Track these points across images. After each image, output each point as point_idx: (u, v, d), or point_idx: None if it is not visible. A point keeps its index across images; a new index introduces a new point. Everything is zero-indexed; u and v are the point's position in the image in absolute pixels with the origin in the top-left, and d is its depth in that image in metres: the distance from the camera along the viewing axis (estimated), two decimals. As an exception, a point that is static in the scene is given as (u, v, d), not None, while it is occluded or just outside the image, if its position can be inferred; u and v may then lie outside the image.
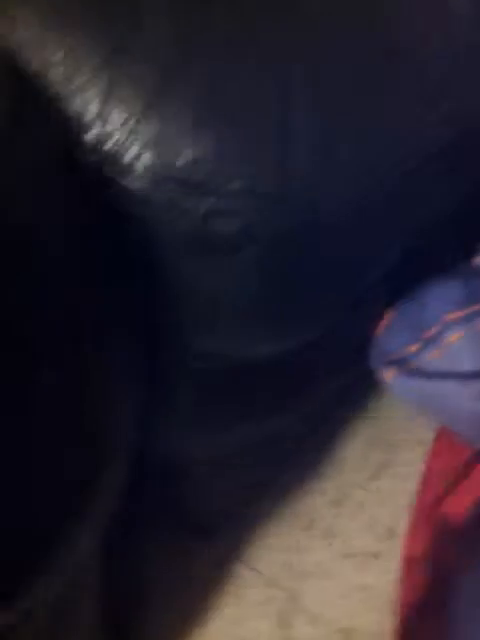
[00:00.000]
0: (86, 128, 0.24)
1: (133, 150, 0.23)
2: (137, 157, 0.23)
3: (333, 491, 0.64)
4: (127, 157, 0.24)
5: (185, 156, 0.24)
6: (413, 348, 0.49)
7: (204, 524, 0.64)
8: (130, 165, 0.24)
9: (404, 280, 0.49)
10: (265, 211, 0.27)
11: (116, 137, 0.23)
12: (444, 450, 0.60)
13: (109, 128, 0.24)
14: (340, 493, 0.63)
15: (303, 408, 0.54)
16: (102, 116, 0.24)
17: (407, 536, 0.58)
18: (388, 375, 0.50)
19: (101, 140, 0.24)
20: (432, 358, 0.49)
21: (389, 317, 0.51)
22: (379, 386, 0.66)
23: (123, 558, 0.59)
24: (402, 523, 0.59)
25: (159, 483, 0.58)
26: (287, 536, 0.63)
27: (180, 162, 0.24)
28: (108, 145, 0.24)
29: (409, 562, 0.55)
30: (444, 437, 0.60)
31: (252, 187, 0.25)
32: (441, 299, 0.48)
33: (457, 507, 0.55)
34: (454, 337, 0.47)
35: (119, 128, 0.24)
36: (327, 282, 0.40)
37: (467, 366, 0.47)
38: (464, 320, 0.47)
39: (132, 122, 0.23)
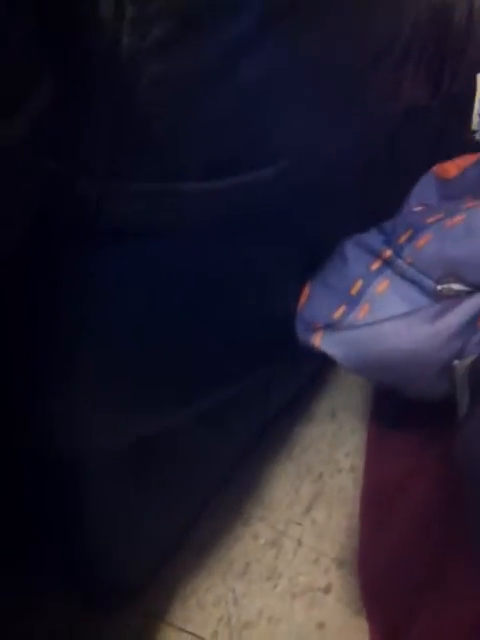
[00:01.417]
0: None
1: None
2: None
3: (267, 532, 0.60)
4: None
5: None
6: (338, 312, 0.53)
7: (117, 586, 0.55)
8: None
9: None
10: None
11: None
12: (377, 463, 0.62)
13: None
14: (275, 532, 0.59)
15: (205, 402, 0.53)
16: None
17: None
18: (316, 339, 0.52)
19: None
20: (361, 316, 0.53)
21: (308, 288, 0.56)
22: (301, 417, 0.69)
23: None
24: (347, 551, 0.57)
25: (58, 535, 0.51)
26: (220, 586, 0.56)
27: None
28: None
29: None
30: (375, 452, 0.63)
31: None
32: (361, 249, 0.54)
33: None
34: (381, 287, 0.53)
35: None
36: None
37: (398, 310, 0.51)
38: (385, 266, 0.54)
39: None
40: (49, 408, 0.41)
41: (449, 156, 0.68)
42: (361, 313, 0.53)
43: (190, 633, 0.52)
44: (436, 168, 0.65)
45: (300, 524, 0.60)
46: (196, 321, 0.45)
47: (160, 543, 0.55)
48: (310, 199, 0.42)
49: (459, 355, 0.48)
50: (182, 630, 0.52)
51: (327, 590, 0.55)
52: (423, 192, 0.64)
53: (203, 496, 0.58)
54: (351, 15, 0.34)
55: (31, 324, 0.37)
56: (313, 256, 0.56)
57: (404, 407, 0.60)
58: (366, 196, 0.54)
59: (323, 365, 0.73)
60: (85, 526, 0.49)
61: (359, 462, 0.64)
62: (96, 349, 0.39)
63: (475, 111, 0.95)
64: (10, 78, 0.21)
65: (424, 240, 0.53)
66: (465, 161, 0.64)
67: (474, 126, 0.97)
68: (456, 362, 0.48)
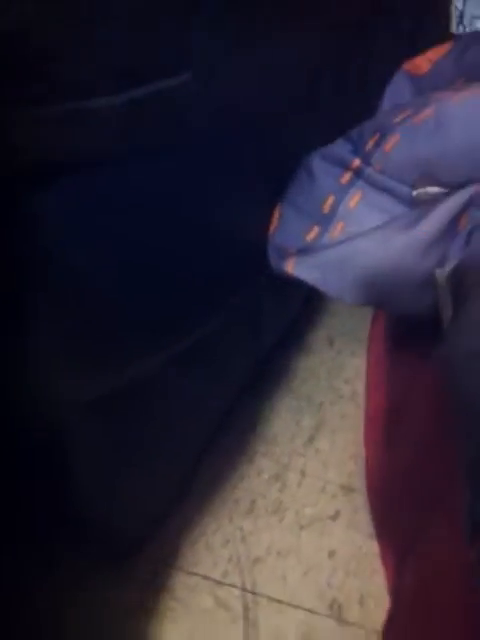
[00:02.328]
0: None
1: None
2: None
3: (271, 467, 0.61)
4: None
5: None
6: (311, 234, 0.51)
7: (121, 538, 0.56)
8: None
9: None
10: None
11: None
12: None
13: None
14: (279, 466, 0.60)
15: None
16: None
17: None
18: (290, 265, 0.51)
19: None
20: (335, 235, 0.52)
21: (278, 211, 0.54)
22: (297, 348, 0.69)
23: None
24: (354, 478, 0.58)
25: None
26: (228, 526, 0.57)
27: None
28: None
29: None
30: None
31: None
32: (328, 162, 0.52)
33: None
34: (353, 201, 0.51)
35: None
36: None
37: (375, 223, 0.50)
38: (357, 177, 0.52)
39: None
40: (12, 359, 0.42)
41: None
42: (335, 232, 0.52)
43: (200, 575, 0.53)
44: (407, 64, 0.61)
45: (303, 455, 0.60)
46: (154, 254, 0.44)
47: (161, 491, 0.57)
48: (275, 127, 0.40)
49: (441, 262, 0.47)
50: (192, 573, 0.54)
51: (335, 517, 0.56)
52: (396, 92, 0.61)
53: (199, 440, 0.59)
54: None
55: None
56: (280, 176, 0.54)
57: (401, 327, 0.60)
58: (336, 108, 0.52)
59: (313, 293, 0.73)
60: (75, 482, 0.50)
61: (360, 387, 0.64)
62: (64, 289, 0.39)
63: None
64: None
65: (393, 142, 0.50)
66: (436, 53, 0.61)
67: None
68: (437, 270, 0.47)
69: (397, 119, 0.51)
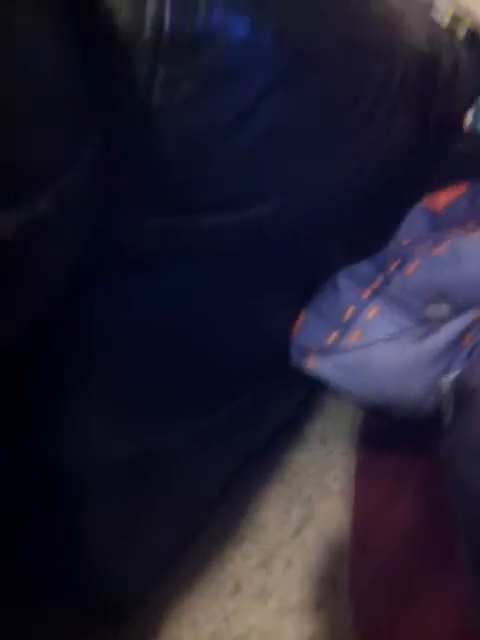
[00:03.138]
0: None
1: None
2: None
3: (258, 553, 0.65)
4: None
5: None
6: (331, 338, 0.60)
7: (112, 604, 0.60)
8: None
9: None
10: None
11: None
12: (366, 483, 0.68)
13: None
14: (266, 553, 0.65)
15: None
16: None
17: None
18: (310, 362, 0.59)
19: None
20: (352, 340, 0.60)
21: (303, 315, 0.63)
22: (292, 442, 0.75)
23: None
24: (337, 571, 0.63)
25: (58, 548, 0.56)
26: (212, 605, 0.61)
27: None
28: None
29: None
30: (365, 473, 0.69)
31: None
32: (352, 280, 0.61)
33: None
34: (371, 313, 0.60)
35: None
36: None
37: (387, 334, 0.58)
38: (376, 294, 0.61)
39: None
40: (60, 416, 0.47)
41: (436, 187, 0.76)
42: (352, 338, 0.60)
43: (182, 648, 0.57)
44: (425, 200, 0.72)
45: (290, 545, 0.65)
46: (200, 343, 0.52)
47: (156, 560, 0.61)
48: (306, 233, 0.49)
49: (446, 371, 0.56)
50: (174, 646, 0.57)
51: (318, 608, 0.60)
52: (413, 225, 0.72)
53: (198, 514, 0.64)
54: (345, 73, 0.42)
55: (50, 340, 0.43)
56: (308, 286, 0.63)
57: (390, 431, 0.67)
58: (359, 229, 0.61)
59: (313, 392, 0.80)
60: (82, 537, 0.54)
61: (348, 485, 0.70)
62: (109, 365, 0.45)
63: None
64: (66, 134, 0.28)
65: (413, 268, 0.60)
66: (452, 194, 0.72)
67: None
68: (443, 378, 0.55)
69: (417, 249, 0.61)
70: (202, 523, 0.65)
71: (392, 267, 0.61)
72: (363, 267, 0.62)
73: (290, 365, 0.62)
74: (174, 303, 0.49)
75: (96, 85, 0.30)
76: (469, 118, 0.89)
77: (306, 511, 0.68)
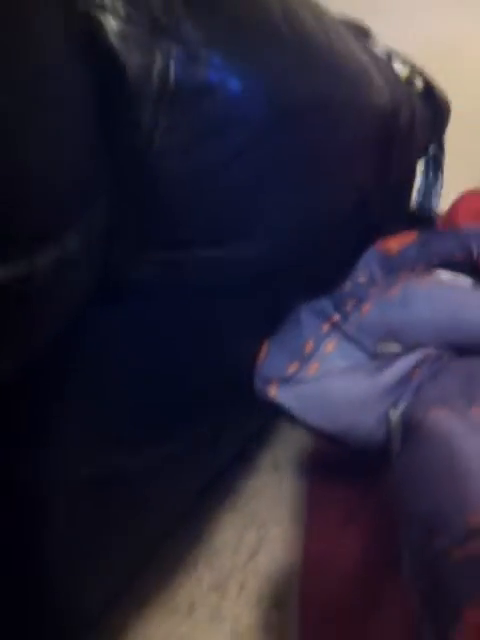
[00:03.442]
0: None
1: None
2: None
3: (212, 576, 0.67)
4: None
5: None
6: (292, 368, 0.64)
7: (67, 627, 0.60)
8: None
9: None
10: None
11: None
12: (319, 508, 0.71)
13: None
14: (220, 577, 0.67)
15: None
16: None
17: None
18: (272, 391, 0.62)
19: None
20: (311, 372, 0.64)
21: (267, 345, 0.67)
22: (246, 470, 0.78)
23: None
24: (288, 595, 0.66)
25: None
26: (166, 627, 0.62)
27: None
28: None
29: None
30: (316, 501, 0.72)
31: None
32: (313, 314, 0.66)
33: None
34: (329, 347, 0.64)
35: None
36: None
37: (343, 367, 0.63)
38: (333, 329, 0.65)
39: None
40: (32, 439, 0.48)
41: (389, 230, 0.81)
42: (311, 370, 0.64)
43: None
44: (379, 243, 0.78)
45: (244, 570, 0.67)
46: (169, 372, 0.54)
47: (111, 582, 0.62)
48: (279, 268, 0.53)
49: (395, 404, 0.60)
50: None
51: (270, 631, 0.62)
52: (367, 265, 0.77)
53: (154, 537, 0.65)
54: (318, 127, 0.46)
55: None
56: (271, 319, 0.67)
57: (341, 460, 0.71)
58: (321, 267, 0.66)
59: (266, 421, 0.83)
60: (38, 555, 0.55)
61: (300, 512, 0.73)
62: (83, 392, 0.47)
63: (414, 192, 1.11)
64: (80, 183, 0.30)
65: (367, 307, 0.65)
66: (404, 239, 0.77)
67: (412, 205, 1.13)
68: (391, 411, 0.59)
69: (372, 291, 0.66)
70: (158, 546, 0.67)
71: (349, 305, 0.66)
72: (323, 302, 0.67)
73: (247, 395, 0.65)
74: (145, 332, 0.51)
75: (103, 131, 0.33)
76: (415, 197, 0.96)
77: (259, 536, 0.71)
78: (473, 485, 0.41)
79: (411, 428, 0.55)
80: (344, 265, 0.75)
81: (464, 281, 0.66)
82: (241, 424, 0.75)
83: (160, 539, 0.68)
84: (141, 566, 0.66)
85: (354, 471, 0.67)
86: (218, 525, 0.71)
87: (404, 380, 0.60)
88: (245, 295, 0.54)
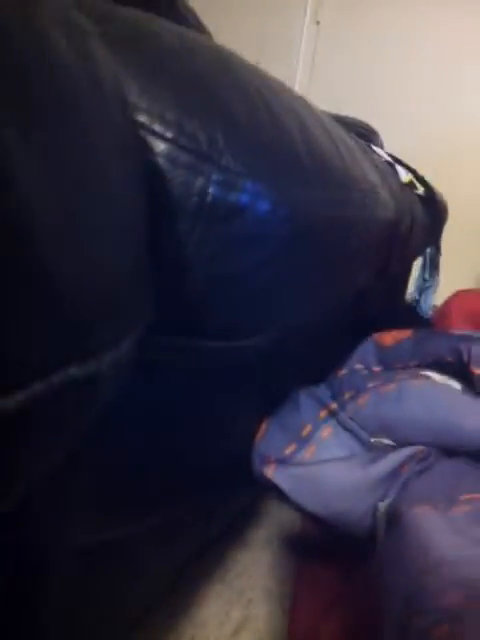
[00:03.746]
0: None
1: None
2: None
3: (196, 650, 0.69)
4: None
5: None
6: (289, 450, 0.68)
7: None
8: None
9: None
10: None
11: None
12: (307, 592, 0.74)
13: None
14: (203, 651, 0.69)
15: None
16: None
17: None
18: (269, 471, 0.65)
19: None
20: (307, 456, 0.68)
21: (266, 424, 0.71)
22: (237, 544, 0.80)
23: None
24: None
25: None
26: None
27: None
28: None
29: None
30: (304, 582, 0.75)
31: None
32: (312, 399, 0.70)
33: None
34: (325, 433, 0.69)
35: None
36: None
37: (338, 454, 0.67)
38: (330, 416, 0.70)
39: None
40: (39, 509, 0.52)
41: (385, 320, 0.87)
42: (308, 453, 0.68)
43: None
44: (376, 336, 0.83)
45: (228, 645, 0.69)
46: (173, 445, 0.58)
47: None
48: (279, 358, 0.58)
49: (383, 497, 0.64)
50: None
51: None
52: (364, 354, 0.82)
53: (142, 607, 0.67)
54: (330, 240, 0.52)
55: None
56: (268, 403, 0.71)
57: (328, 540, 0.74)
58: (319, 355, 0.71)
59: (259, 497, 0.86)
60: (33, 619, 0.57)
61: (289, 589, 0.75)
62: (90, 464, 0.51)
63: (410, 287, 1.18)
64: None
65: (363, 400, 0.69)
66: (400, 334, 0.83)
67: (408, 297, 1.20)
68: (380, 503, 0.63)
69: (370, 384, 0.71)
70: (145, 616, 0.69)
71: (347, 395, 0.70)
72: (321, 389, 0.71)
73: (244, 471, 0.69)
74: (150, 410, 0.56)
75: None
76: (411, 293, 1.02)
77: (245, 612, 0.73)
78: (447, 572, 0.44)
79: (394, 521, 0.58)
80: (342, 352, 0.80)
81: (454, 384, 0.71)
82: (236, 498, 0.78)
83: (149, 607, 0.70)
84: (128, 634, 0.68)
85: (341, 553, 0.70)
86: (206, 597, 0.73)
87: (393, 474, 0.63)
88: (247, 378, 0.58)
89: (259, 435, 0.70)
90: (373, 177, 0.63)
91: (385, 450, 0.66)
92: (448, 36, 2.14)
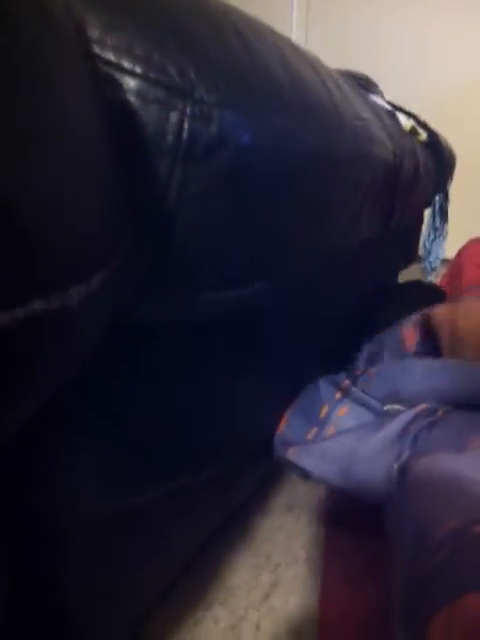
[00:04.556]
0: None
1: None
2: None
3: (228, 617, 0.68)
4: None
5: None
6: (311, 434, 0.69)
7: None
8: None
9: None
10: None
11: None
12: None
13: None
14: (235, 617, 0.68)
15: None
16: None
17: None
18: (291, 453, 0.67)
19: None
20: (327, 435, 0.69)
21: (286, 416, 0.71)
22: (259, 511, 0.79)
23: None
24: (303, 637, 0.67)
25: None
26: (183, 669, 0.63)
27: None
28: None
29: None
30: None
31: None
32: (329, 383, 0.71)
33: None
34: (342, 411, 0.69)
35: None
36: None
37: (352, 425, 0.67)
38: (345, 396, 0.70)
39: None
40: (53, 478, 0.51)
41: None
42: (328, 432, 0.69)
43: None
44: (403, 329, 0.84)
45: (259, 610, 0.68)
46: (183, 408, 0.57)
47: (126, 621, 0.63)
48: (280, 316, 0.57)
49: (398, 457, 0.63)
50: None
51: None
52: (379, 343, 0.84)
53: (169, 575, 0.66)
54: (322, 180, 0.49)
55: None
56: (288, 392, 0.71)
57: (352, 510, 0.73)
58: (326, 315, 0.69)
59: (276, 466, 0.85)
60: (57, 591, 0.56)
61: (314, 553, 0.74)
62: (102, 429, 0.50)
63: (422, 239, 1.15)
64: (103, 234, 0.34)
65: (373, 371, 0.70)
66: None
67: (421, 251, 1.17)
68: (394, 465, 0.62)
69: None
70: (173, 584, 0.68)
71: (359, 371, 0.71)
72: (340, 375, 0.72)
73: (260, 441, 0.68)
74: (166, 373, 0.54)
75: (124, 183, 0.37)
76: (422, 244, 1.00)
77: (274, 577, 0.71)
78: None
79: (404, 475, 0.57)
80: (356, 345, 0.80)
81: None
82: (255, 467, 0.76)
83: (175, 576, 0.69)
84: (157, 603, 0.67)
85: (368, 519, 0.69)
86: (234, 565, 0.72)
87: (403, 433, 0.63)
88: (249, 339, 0.57)
89: (281, 425, 0.70)
90: (367, 116, 0.60)
91: (395, 414, 0.66)
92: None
